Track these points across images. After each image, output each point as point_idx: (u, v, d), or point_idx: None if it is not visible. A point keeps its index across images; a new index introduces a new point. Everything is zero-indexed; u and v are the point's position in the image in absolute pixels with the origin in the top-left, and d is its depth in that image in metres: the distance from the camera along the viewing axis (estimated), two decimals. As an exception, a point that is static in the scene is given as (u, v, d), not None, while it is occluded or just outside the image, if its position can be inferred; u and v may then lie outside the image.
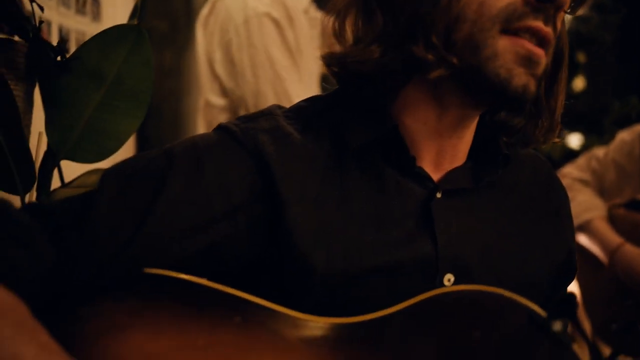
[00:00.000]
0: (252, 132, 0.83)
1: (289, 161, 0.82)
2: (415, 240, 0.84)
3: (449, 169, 0.90)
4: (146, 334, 0.72)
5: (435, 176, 0.89)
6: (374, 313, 0.73)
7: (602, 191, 2.12)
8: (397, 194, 0.86)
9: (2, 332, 0.63)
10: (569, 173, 2.19)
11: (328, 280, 0.79)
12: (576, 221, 2.06)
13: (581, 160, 2.24)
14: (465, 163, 0.91)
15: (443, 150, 0.89)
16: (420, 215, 0.86)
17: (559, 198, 1.02)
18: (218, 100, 2.07)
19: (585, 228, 2.04)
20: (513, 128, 0.92)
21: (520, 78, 0.80)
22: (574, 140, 4.00)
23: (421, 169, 0.87)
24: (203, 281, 0.74)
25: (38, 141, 1.40)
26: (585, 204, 2.08)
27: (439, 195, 0.87)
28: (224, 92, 2.06)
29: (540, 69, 0.83)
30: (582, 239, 2.08)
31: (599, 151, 2.20)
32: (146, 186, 0.78)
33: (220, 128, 0.86)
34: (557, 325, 0.70)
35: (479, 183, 0.90)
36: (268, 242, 0.81)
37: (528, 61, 0.80)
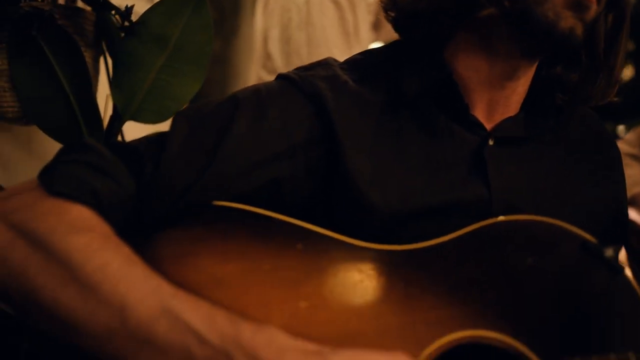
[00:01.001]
0: (311, 79, 0.88)
1: (346, 107, 0.86)
2: (468, 184, 0.87)
3: (501, 119, 0.92)
4: (215, 259, 0.77)
5: (488, 125, 0.91)
6: (430, 240, 0.76)
7: None
8: (451, 141, 0.89)
9: (91, 244, 0.70)
10: (620, 148, 2.16)
11: (384, 219, 0.83)
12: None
13: (631, 136, 2.21)
14: (517, 114, 0.93)
15: (495, 100, 0.91)
16: (473, 161, 0.88)
17: (612, 154, 1.02)
18: (268, 78, 2.15)
19: (634, 202, 2.01)
20: (568, 83, 0.94)
21: (567, 21, 0.82)
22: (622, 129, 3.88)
23: (474, 116, 0.90)
24: (267, 212, 0.80)
25: (105, 104, 1.48)
26: (635, 178, 2.05)
27: (491, 142, 0.90)
28: (275, 70, 2.14)
29: (590, 15, 0.84)
30: (632, 213, 2.04)
31: None
32: (214, 126, 0.84)
33: (280, 77, 0.91)
34: (609, 252, 0.72)
35: (531, 133, 0.92)
36: (326, 181, 0.86)
37: (577, 5, 0.82)
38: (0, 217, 0.74)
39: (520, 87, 0.93)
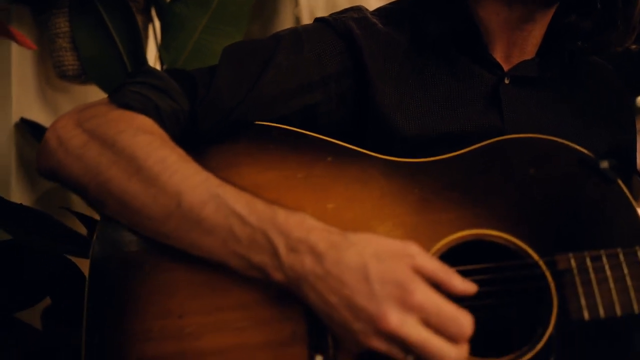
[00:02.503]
0: (344, 20, 0.99)
1: (374, 45, 0.98)
2: (484, 116, 0.97)
3: (518, 61, 1.02)
4: (256, 169, 0.89)
5: (505, 66, 1.01)
6: (445, 155, 0.86)
7: None
8: (469, 78, 0.99)
9: (152, 143, 0.82)
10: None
11: (407, 142, 0.94)
12: None
13: None
14: (534, 57, 1.03)
15: (513, 42, 1.01)
16: (489, 97, 0.98)
17: (625, 104, 1.10)
18: None
19: None
20: (583, 31, 1.02)
21: None
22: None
23: (492, 57, 1.00)
24: (302, 130, 0.91)
25: (154, 64, 1.62)
26: None
27: (507, 81, 0.99)
28: None
29: None
30: None
31: None
32: (258, 57, 0.96)
33: (316, 19, 1.03)
34: (604, 163, 0.82)
35: (544, 75, 1.01)
36: (355, 108, 0.97)
37: None
38: (76, 124, 0.87)
39: (536, 31, 1.01)
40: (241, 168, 0.90)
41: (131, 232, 0.84)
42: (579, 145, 0.91)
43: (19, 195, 1.51)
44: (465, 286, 0.75)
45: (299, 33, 0.99)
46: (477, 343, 0.82)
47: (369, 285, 0.70)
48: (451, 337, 0.70)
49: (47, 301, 1.34)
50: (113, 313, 0.83)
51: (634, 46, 1.05)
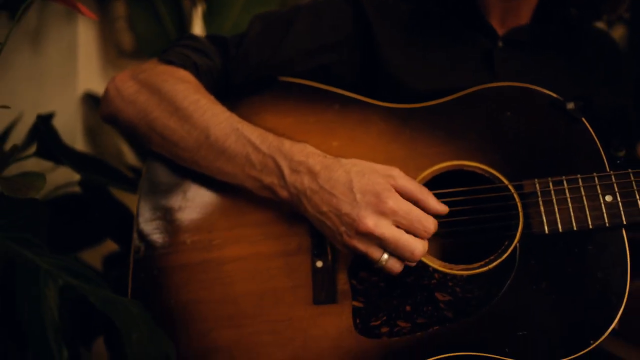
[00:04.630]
0: None
1: (381, 12, 1.13)
2: (478, 75, 1.10)
3: (512, 26, 1.14)
4: (277, 115, 1.06)
5: (501, 31, 1.14)
6: (434, 100, 1.00)
7: None
8: (467, 42, 1.13)
9: (189, 89, 1.01)
10: None
11: (411, 96, 1.08)
12: None
13: None
14: (528, 23, 1.14)
15: (508, 9, 1.12)
16: (484, 58, 1.11)
17: (620, 62, 1.20)
18: None
19: None
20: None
21: None
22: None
23: (488, 22, 1.13)
24: (315, 83, 1.07)
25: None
26: None
27: (500, 44, 1.12)
28: None
29: None
30: None
31: None
32: (281, 23, 1.13)
33: None
34: (571, 104, 0.93)
35: (537, 39, 1.13)
36: (366, 68, 1.12)
37: None
38: (131, 76, 1.07)
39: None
40: (265, 115, 1.07)
41: (171, 165, 1.03)
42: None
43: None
44: (439, 205, 0.89)
45: (316, 3, 1.16)
46: (456, 256, 0.96)
47: (352, 195, 0.86)
48: (418, 234, 0.85)
49: (109, 247, 1.56)
50: (155, 231, 1.01)
51: (626, 14, 1.15)
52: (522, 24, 1.14)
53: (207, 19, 1.70)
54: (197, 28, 1.79)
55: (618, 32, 3.63)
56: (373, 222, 0.85)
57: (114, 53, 1.77)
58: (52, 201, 1.41)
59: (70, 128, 1.69)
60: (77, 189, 1.46)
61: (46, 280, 0.75)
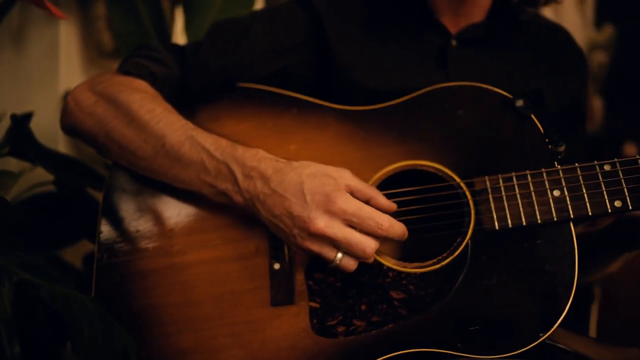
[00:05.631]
0: None
1: (333, 12, 1.15)
2: (432, 74, 1.12)
3: (465, 24, 1.16)
4: (235, 121, 1.08)
5: (454, 29, 1.15)
6: (389, 102, 1.02)
7: None
8: (420, 41, 1.14)
9: (145, 98, 1.02)
10: None
11: (366, 95, 1.09)
12: None
13: None
14: (482, 20, 1.16)
15: (459, 8, 1.14)
16: (437, 58, 1.13)
17: (574, 58, 1.23)
18: None
19: None
20: None
21: None
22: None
23: (439, 21, 1.14)
24: (273, 88, 1.09)
25: (180, 41, 1.84)
26: None
27: (454, 43, 1.14)
28: None
29: None
30: None
31: None
32: (238, 30, 1.15)
33: None
34: (520, 102, 0.95)
35: (491, 36, 1.14)
36: (323, 69, 1.14)
37: None
38: (89, 88, 1.08)
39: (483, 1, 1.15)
40: (223, 121, 1.08)
41: (133, 173, 1.05)
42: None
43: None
44: (389, 203, 0.90)
45: (271, 9, 1.18)
46: (410, 253, 0.97)
47: (303, 197, 0.87)
48: (371, 231, 0.86)
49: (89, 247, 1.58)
50: (118, 237, 1.03)
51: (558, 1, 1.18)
52: (475, 22, 1.16)
53: (187, 19, 1.72)
54: (179, 28, 1.81)
55: (606, 32, 3.66)
56: (324, 223, 0.86)
57: (95, 53, 1.79)
58: (29, 200, 1.43)
59: (52, 127, 1.70)
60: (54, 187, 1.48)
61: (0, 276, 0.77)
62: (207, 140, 0.97)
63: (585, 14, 3.40)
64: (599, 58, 3.21)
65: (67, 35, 1.68)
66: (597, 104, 3.09)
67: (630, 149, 2.63)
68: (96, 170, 1.42)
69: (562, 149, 0.89)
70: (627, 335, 2.04)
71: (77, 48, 1.70)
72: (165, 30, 1.68)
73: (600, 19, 3.45)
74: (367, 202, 0.90)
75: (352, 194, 0.90)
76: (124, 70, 1.09)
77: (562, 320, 0.85)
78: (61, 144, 1.62)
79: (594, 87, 3.13)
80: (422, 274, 0.91)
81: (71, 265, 1.45)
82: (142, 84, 1.07)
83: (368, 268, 0.92)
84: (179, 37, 1.84)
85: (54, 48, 1.62)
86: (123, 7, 1.64)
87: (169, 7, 1.74)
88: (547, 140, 0.89)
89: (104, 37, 1.70)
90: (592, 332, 2.08)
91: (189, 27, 1.66)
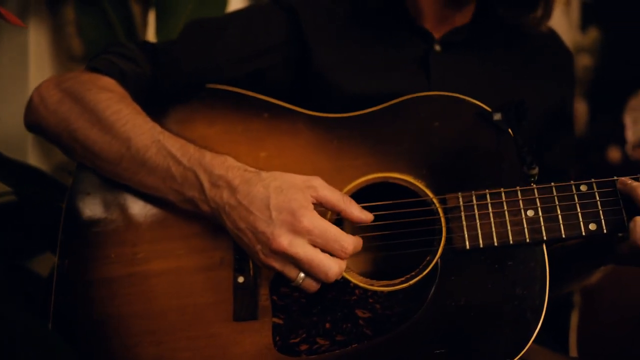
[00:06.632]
0: None
1: (313, 14, 1.11)
2: (413, 79, 1.09)
3: (449, 29, 1.12)
4: (205, 124, 1.03)
5: (438, 34, 1.12)
6: (364, 110, 0.98)
7: None
8: (403, 46, 1.11)
9: (112, 98, 0.98)
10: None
11: (344, 100, 1.06)
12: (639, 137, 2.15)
13: None
14: (466, 24, 1.13)
15: (442, 13, 1.11)
16: (420, 62, 1.10)
17: (561, 59, 1.20)
18: None
19: None
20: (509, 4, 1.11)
21: None
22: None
23: (421, 26, 1.11)
24: (245, 91, 1.05)
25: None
26: None
27: (437, 48, 1.10)
28: None
29: None
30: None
31: None
32: (213, 29, 1.11)
33: None
34: (497, 115, 0.92)
35: (474, 39, 1.11)
36: (300, 72, 1.10)
37: None
38: (55, 85, 1.03)
39: (466, 8, 1.11)
40: (192, 123, 1.04)
41: (98, 176, 1.00)
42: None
43: (35, 161, 1.70)
44: (363, 214, 0.87)
45: (249, 9, 1.14)
46: (379, 271, 0.94)
47: (268, 212, 0.83)
48: (335, 253, 0.83)
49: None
50: (81, 243, 0.99)
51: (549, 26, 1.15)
52: (459, 25, 1.13)
53: (158, 24, 1.67)
54: (151, 32, 1.76)
55: (591, 36, 3.64)
56: (287, 242, 0.82)
57: (65, 58, 1.74)
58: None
59: (22, 132, 1.66)
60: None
61: None
62: (175, 145, 0.93)
63: (571, 17, 3.37)
64: (584, 61, 3.18)
65: (36, 41, 1.64)
66: (581, 108, 3.08)
67: (614, 153, 2.63)
68: (60, 180, 1.38)
69: (534, 171, 0.86)
70: (608, 342, 2.04)
71: (47, 54, 1.66)
72: (135, 35, 1.64)
73: (585, 23, 3.43)
74: (338, 213, 0.87)
75: (322, 205, 0.87)
76: (92, 68, 1.04)
77: (532, 342, 0.83)
78: (30, 149, 1.58)
79: (579, 91, 3.11)
80: (389, 292, 0.88)
81: (38, 276, 1.41)
82: (110, 83, 1.02)
83: (334, 284, 0.88)
84: (152, 41, 1.80)
85: (24, 54, 1.58)
86: (92, 12, 1.60)
87: (140, 12, 1.69)
88: (520, 162, 0.87)
89: (74, 42, 1.66)
90: (572, 339, 2.08)
91: (161, 31, 1.62)
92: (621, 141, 2.44)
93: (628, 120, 2.25)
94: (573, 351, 2.05)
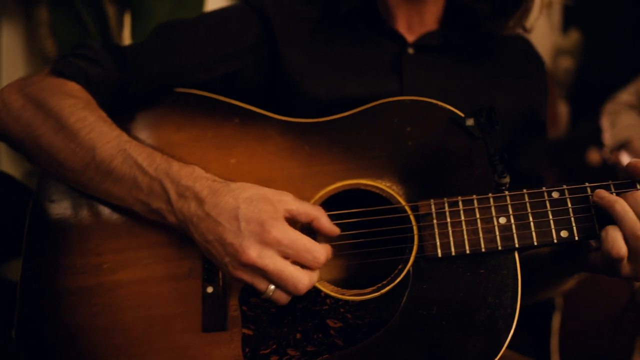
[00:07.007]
0: None
1: (285, 17, 1.09)
2: (385, 82, 1.07)
3: (421, 32, 1.11)
4: (172, 128, 1.01)
5: (410, 37, 1.11)
6: (336, 115, 0.97)
7: None
8: (375, 49, 1.09)
9: (76, 105, 0.95)
10: (619, 97, 2.29)
11: (315, 103, 1.04)
12: (616, 141, 2.16)
13: (631, 86, 2.32)
14: (438, 28, 1.12)
15: (412, 15, 1.10)
16: (392, 65, 1.08)
17: (533, 65, 1.19)
18: None
19: (625, 147, 2.12)
20: (480, 11, 1.10)
21: None
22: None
23: (394, 29, 1.10)
24: (214, 95, 1.03)
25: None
26: (627, 126, 2.16)
27: (410, 51, 1.09)
28: None
29: None
30: (623, 157, 2.17)
31: None
32: (183, 31, 1.08)
33: (243, 0, 1.14)
34: (470, 121, 0.90)
35: (447, 44, 1.10)
36: (271, 76, 1.08)
37: None
38: (18, 89, 1.00)
39: (432, 5, 1.11)
40: (160, 129, 1.02)
41: (63, 185, 0.98)
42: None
43: (7, 166, 1.66)
44: (332, 227, 0.85)
45: (220, 10, 1.11)
46: (352, 279, 0.92)
47: (237, 224, 0.81)
48: (307, 264, 0.81)
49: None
50: (45, 251, 0.96)
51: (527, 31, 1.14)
52: (432, 30, 1.12)
53: (134, 25, 1.64)
54: (127, 34, 1.73)
55: (572, 38, 3.65)
56: (256, 253, 0.80)
57: (38, 59, 1.71)
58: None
59: None
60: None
61: None
62: (141, 154, 0.90)
63: (552, 19, 3.39)
64: (565, 63, 3.20)
65: (9, 41, 1.61)
66: (563, 110, 3.09)
67: (594, 155, 2.64)
68: (30, 186, 1.35)
69: (506, 180, 0.84)
70: (589, 343, 2.05)
71: (20, 55, 1.64)
72: (109, 36, 1.61)
73: (566, 25, 3.45)
74: (309, 223, 0.85)
75: (295, 218, 0.85)
76: (57, 72, 1.00)
77: (504, 349, 0.82)
78: (3, 151, 1.54)
79: (560, 93, 3.12)
80: (360, 301, 0.86)
81: (9, 281, 1.38)
82: (75, 88, 0.99)
83: (305, 294, 0.87)
84: (127, 42, 1.76)
85: (-5, 55, 1.56)
86: (65, 13, 1.57)
87: (115, 12, 1.66)
88: (490, 170, 0.85)
89: (47, 43, 1.63)
90: (554, 343, 2.08)
91: (136, 33, 1.59)
92: (601, 144, 2.45)
93: (605, 123, 2.26)
94: (555, 355, 2.05)
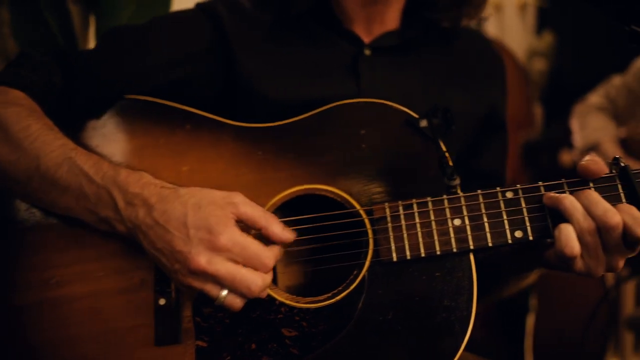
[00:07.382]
0: (213, 3, 1.10)
1: (237, 20, 1.07)
2: (342, 84, 1.06)
3: (379, 32, 1.10)
4: (122, 136, 0.98)
5: (367, 38, 1.10)
6: (290, 119, 0.95)
7: (616, 115, 2.21)
8: (331, 51, 1.08)
9: (20, 113, 0.92)
10: (589, 100, 2.31)
11: (269, 107, 1.03)
12: (586, 143, 2.18)
13: (600, 89, 2.34)
14: (396, 28, 1.11)
15: (371, 16, 1.09)
16: (349, 67, 1.07)
17: (493, 65, 1.19)
18: None
19: (595, 149, 2.14)
20: (440, 4, 1.10)
21: None
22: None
23: (350, 30, 1.08)
24: (166, 102, 1.00)
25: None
26: (596, 128, 2.19)
27: (367, 52, 1.08)
28: None
29: None
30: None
31: (617, 79, 2.30)
32: (133, 37, 1.06)
33: (196, 4, 1.12)
34: (424, 122, 0.89)
35: (405, 44, 1.09)
36: (225, 81, 1.06)
37: None
38: None
39: (392, 5, 1.09)
40: (109, 137, 0.99)
41: (7, 195, 0.94)
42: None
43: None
44: (284, 233, 0.83)
45: (172, 15, 1.10)
46: (308, 285, 0.90)
47: (185, 231, 0.79)
48: (257, 268, 0.79)
49: None
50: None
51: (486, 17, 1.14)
52: (390, 30, 1.11)
53: (98, 25, 1.62)
54: (92, 34, 1.70)
55: (546, 40, 3.68)
56: (206, 260, 0.78)
57: (1, 59, 1.67)
58: None
59: None
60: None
61: None
62: (87, 162, 0.88)
63: (526, 20, 3.41)
64: (539, 65, 3.22)
65: None
66: (537, 111, 3.11)
67: (566, 157, 2.65)
68: None
69: (456, 182, 0.83)
70: (563, 342, 2.05)
71: None
72: (73, 36, 1.57)
73: (540, 27, 3.47)
74: (259, 231, 0.83)
75: (243, 222, 0.83)
76: (1, 81, 0.98)
77: (461, 352, 0.80)
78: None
79: (534, 94, 3.14)
80: (315, 309, 0.84)
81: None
82: (18, 96, 0.96)
83: (259, 303, 0.84)
84: (92, 43, 1.73)
85: (-44, 55, 1.52)
86: (27, 12, 1.53)
87: (79, 12, 1.63)
88: (441, 172, 0.84)
89: (9, 43, 1.59)
90: (528, 344, 2.08)
91: (101, 33, 1.56)
92: (572, 145, 2.47)
93: (575, 125, 2.29)
94: (529, 356, 2.05)
